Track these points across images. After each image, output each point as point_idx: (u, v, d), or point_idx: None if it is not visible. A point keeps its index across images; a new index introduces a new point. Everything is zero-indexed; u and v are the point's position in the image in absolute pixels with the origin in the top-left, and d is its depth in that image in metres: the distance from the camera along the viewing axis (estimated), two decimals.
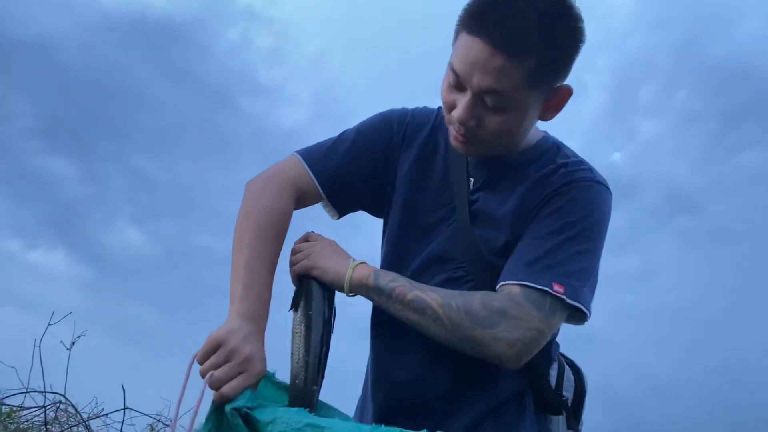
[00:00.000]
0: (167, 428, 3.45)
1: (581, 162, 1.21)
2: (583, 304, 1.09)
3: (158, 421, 3.42)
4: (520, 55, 1.02)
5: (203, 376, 0.98)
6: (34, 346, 2.90)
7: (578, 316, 1.11)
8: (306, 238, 1.24)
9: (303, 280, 1.17)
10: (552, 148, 1.24)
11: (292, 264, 1.20)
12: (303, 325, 1.11)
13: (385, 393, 1.25)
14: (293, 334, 1.12)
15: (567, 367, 1.29)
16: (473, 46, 1.04)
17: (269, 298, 1.12)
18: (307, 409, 0.97)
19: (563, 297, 1.07)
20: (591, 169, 1.20)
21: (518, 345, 1.05)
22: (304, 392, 1.05)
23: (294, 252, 1.22)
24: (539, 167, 1.20)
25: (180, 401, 1.01)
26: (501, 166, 1.21)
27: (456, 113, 1.10)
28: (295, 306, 1.15)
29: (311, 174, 1.28)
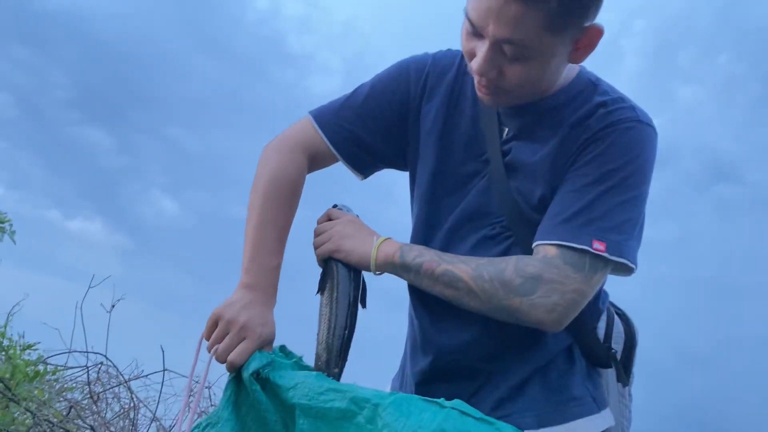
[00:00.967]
0: (206, 389, 3.55)
1: (622, 99, 1.12)
2: (628, 259, 1.05)
3: (196, 382, 3.51)
4: (537, 0, 0.93)
5: (209, 351, 1.06)
6: (76, 308, 2.99)
7: (624, 268, 1.07)
8: (328, 216, 1.21)
9: (328, 261, 1.16)
10: (588, 85, 1.15)
11: (315, 246, 1.18)
12: (328, 308, 1.11)
13: (427, 359, 1.22)
14: (319, 316, 1.12)
15: (617, 318, 1.25)
16: None
17: (277, 265, 1.14)
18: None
19: (605, 255, 1.02)
20: (633, 107, 1.11)
21: (558, 309, 1.02)
22: (325, 375, 1.06)
23: (316, 233, 1.19)
24: (575, 109, 1.12)
25: (191, 378, 1.10)
26: (533, 113, 1.14)
27: (475, 64, 1.03)
28: (321, 289, 1.15)
29: (322, 135, 1.24)
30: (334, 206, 1.25)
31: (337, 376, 1.07)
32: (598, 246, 1.02)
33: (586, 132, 1.09)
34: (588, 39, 1.03)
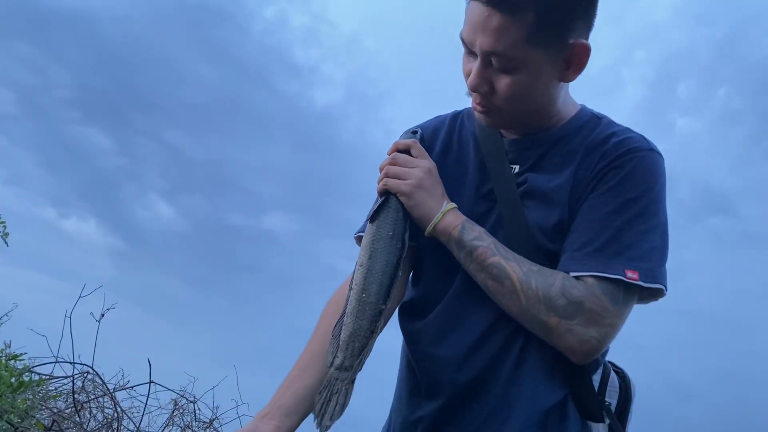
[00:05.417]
0: (190, 404, 3.50)
1: (629, 129, 1.17)
2: (662, 283, 1.06)
3: (182, 396, 3.48)
4: (516, 12, 1.00)
5: None
6: (65, 317, 2.94)
7: (654, 294, 1.08)
8: (408, 149, 1.19)
9: (391, 197, 1.14)
10: (592, 118, 1.20)
11: (388, 174, 1.15)
12: (381, 243, 1.09)
13: (432, 402, 1.19)
14: (368, 246, 1.09)
15: (613, 373, 1.23)
16: (474, 9, 1.04)
17: (291, 403, 1.10)
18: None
19: (638, 283, 1.04)
20: (643, 136, 1.15)
21: (592, 342, 1.04)
22: (371, 308, 1.04)
23: (394, 161, 1.17)
24: (584, 137, 1.16)
25: None
26: (543, 143, 1.18)
27: (469, 81, 1.09)
28: (373, 219, 1.12)
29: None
30: (414, 132, 1.24)
31: (384, 313, 1.05)
32: (632, 275, 1.04)
33: (603, 159, 1.12)
34: (576, 55, 1.07)
